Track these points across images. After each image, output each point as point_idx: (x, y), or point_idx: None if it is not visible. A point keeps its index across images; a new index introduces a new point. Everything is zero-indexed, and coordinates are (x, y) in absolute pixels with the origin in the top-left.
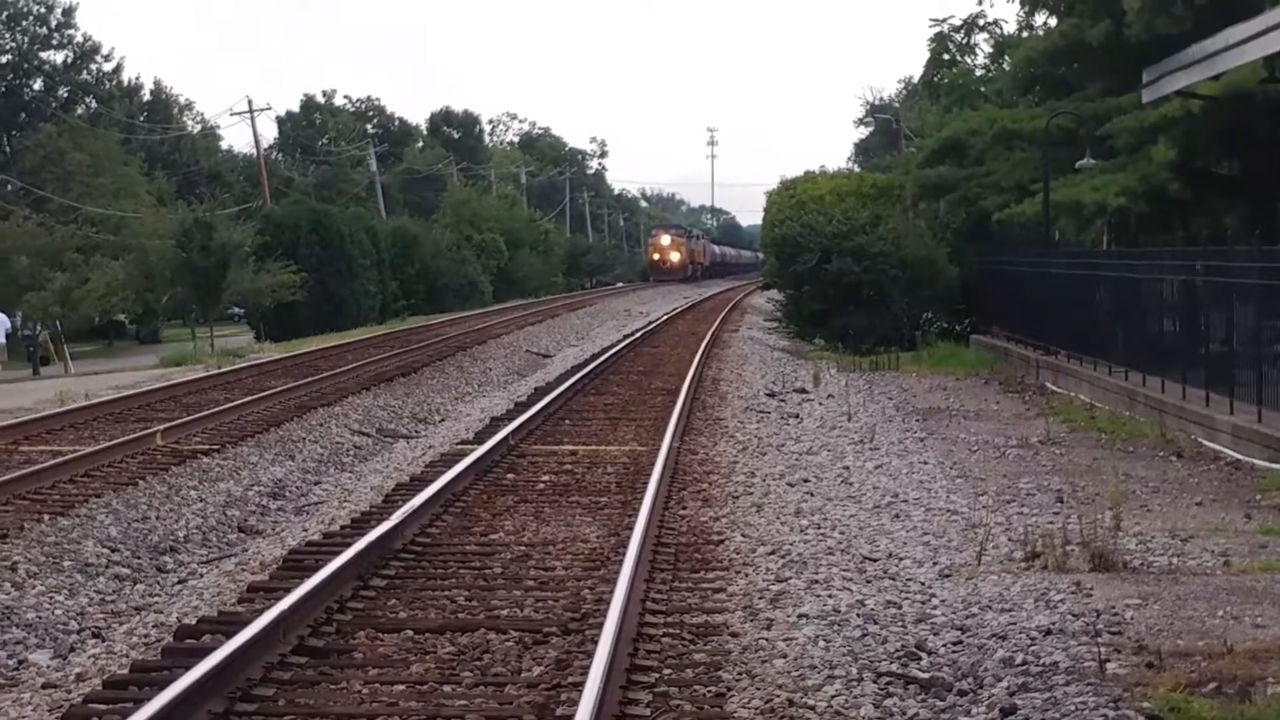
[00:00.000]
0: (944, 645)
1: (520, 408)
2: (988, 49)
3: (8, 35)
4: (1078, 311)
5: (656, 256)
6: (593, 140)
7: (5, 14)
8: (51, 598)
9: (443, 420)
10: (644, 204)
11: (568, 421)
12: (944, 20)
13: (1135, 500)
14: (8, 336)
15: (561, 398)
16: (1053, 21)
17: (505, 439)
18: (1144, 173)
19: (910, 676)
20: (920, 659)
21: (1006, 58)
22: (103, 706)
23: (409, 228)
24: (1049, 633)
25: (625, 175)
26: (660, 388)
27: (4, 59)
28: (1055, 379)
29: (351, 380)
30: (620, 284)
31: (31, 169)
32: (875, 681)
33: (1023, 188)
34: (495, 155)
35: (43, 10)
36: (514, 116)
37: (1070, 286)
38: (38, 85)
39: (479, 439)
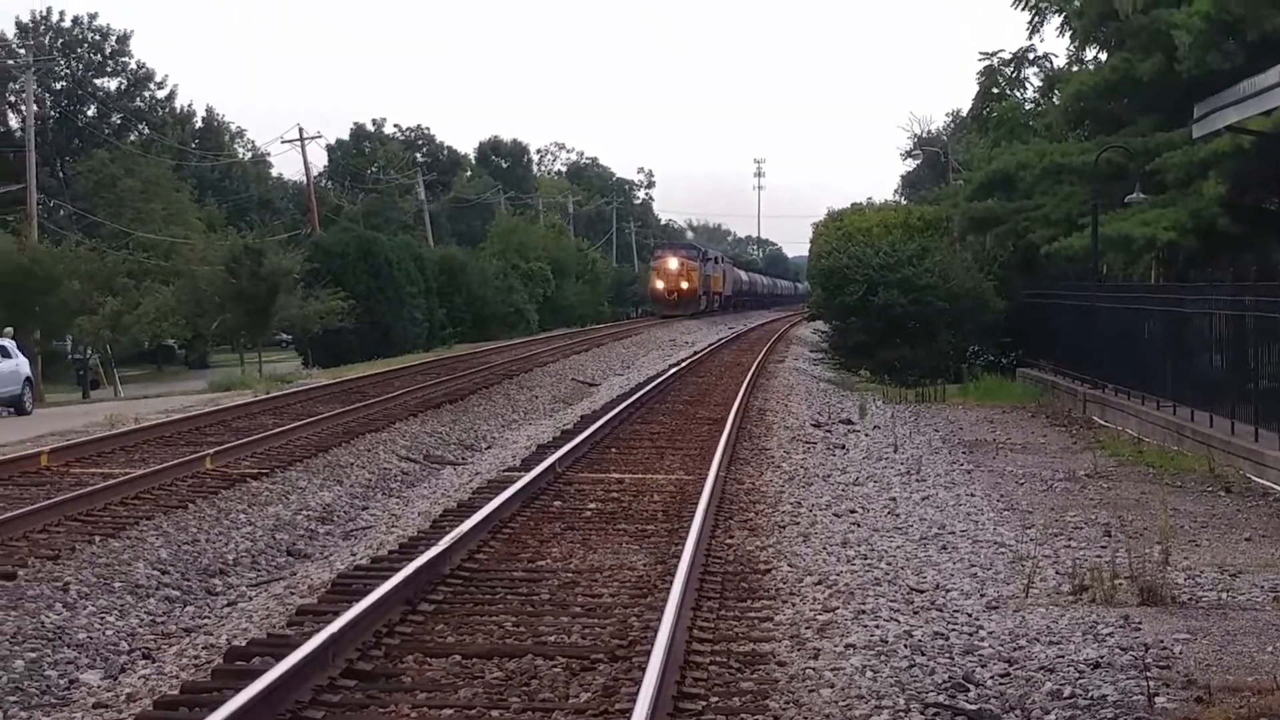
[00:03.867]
0: (991, 677)
1: (567, 435)
2: (1037, 83)
3: (62, 62)
4: (1126, 345)
5: (661, 285)
6: (640, 170)
7: (60, 41)
8: (102, 618)
9: (490, 447)
10: (690, 234)
11: (614, 449)
12: (994, 54)
13: (1184, 535)
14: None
15: (608, 426)
16: (1103, 56)
17: (552, 466)
18: (1194, 208)
19: (958, 708)
20: (968, 690)
21: (1056, 91)
22: None
23: (456, 256)
24: (1097, 666)
25: (672, 205)
26: (706, 417)
27: (59, 85)
28: (1102, 413)
29: (399, 406)
30: None
31: (84, 194)
32: (922, 712)
33: (1071, 221)
34: (543, 184)
35: (97, 38)
36: (562, 146)
37: (1118, 320)
38: (91, 112)
39: (526, 466)
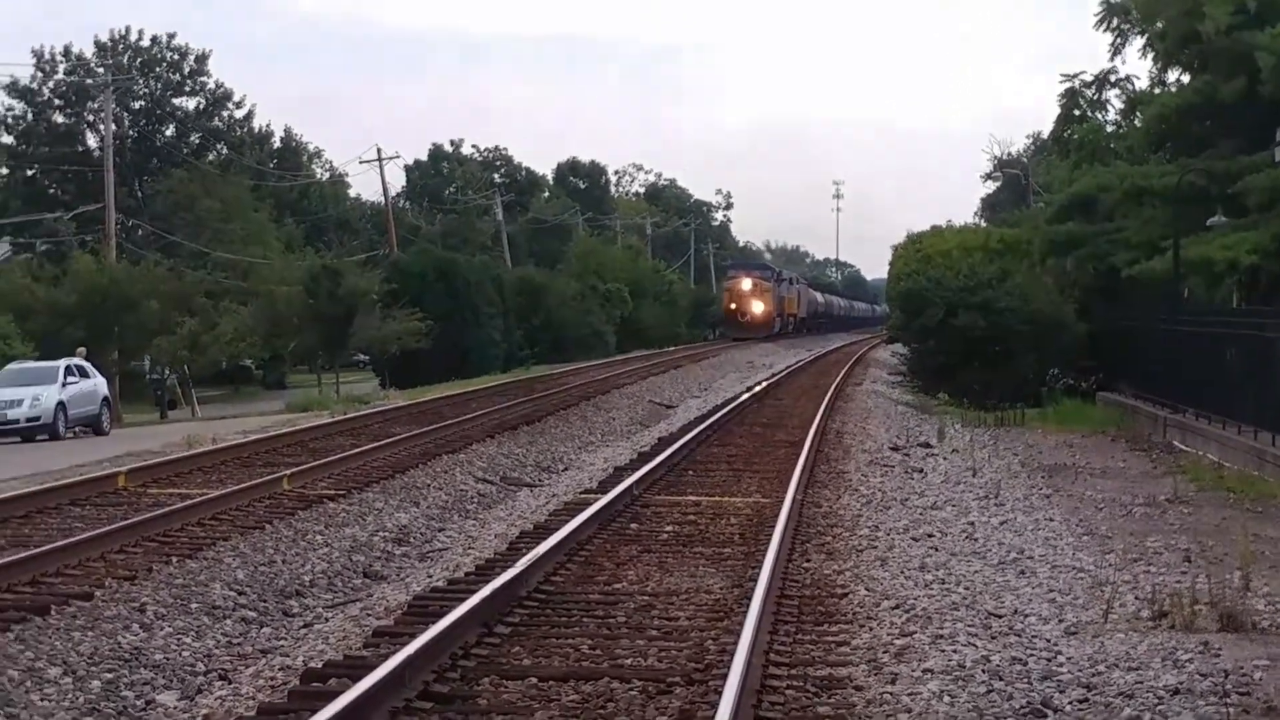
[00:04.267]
0: (1070, 703)
1: (644, 458)
2: (1119, 105)
3: (141, 82)
4: (1207, 370)
5: (734, 306)
6: (718, 192)
7: (139, 60)
8: (179, 639)
9: (566, 469)
10: (767, 255)
11: (691, 472)
12: (1075, 75)
13: (1265, 561)
14: (107, 404)
15: (685, 448)
16: (1185, 78)
17: (629, 488)
18: (1276, 230)
19: None
20: (1046, 716)
21: (1138, 114)
22: None
23: (534, 277)
24: (1176, 692)
25: (750, 227)
26: (784, 440)
27: (137, 105)
28: (1183, 437)
29: (476, 428)
30: None
31: (163, 214)
32: None
33: (1152, 245)
34: (621, 206)
35: (176, 57)
36: (640, 167)
37: (1199, 345)
38: (170, 131)
39: (603, 488)
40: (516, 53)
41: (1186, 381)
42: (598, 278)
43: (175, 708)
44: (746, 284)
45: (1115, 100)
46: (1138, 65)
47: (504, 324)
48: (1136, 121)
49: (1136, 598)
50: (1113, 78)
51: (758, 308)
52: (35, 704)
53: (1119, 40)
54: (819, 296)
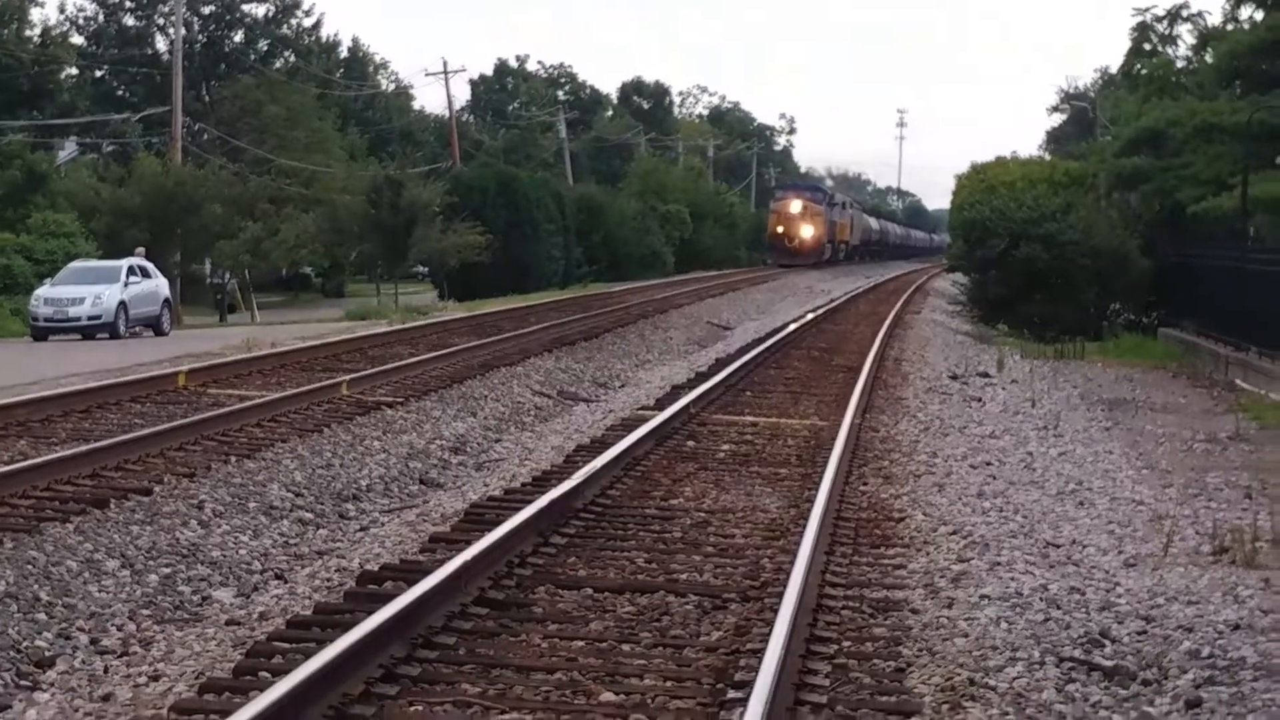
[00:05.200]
0: (1128, 634)
1: (701, 377)
2: (1190, 40)
3: None
4: (1272, 308)
5: (781, 229)
6: (782, 116)
7: None
8: (236, 538)
9: (623, 386)
10: (829, 182)
11: (748, 393)
12: (1147, 10)
13: None
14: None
15: (742, 369)
16: (1259, 15)
17: (686, 407)
18: None
19: (1094, 663)
20: (1104, 646)
21: (1209, 50)
22: (286, 645)
23: (595, 195)
24: (1236, 627)
25: (812, 154)
26: (841, 364)
27: (207, 10)
28: (1245, 375)
29: (533, 342)
30: None
31: (228, 119)
32: (1058, 666)
33: (1220, 182)
34: (684, 127)
35: None
36: (704, 89)
37: (1265, 283)
38: (238, 37)
39: (660, 405)
40: None
41: (1251, 319)
42: (658, 198)
43: (231, 604)
44: (795, 206)
45: (1187, 35)
46: (1210, 1)
47: (563, 241)
48: (1207, 57)
49: (1197, 532)
50: (1184, 13)
51: (807, 232)
52: (93, 595)
53: None
54: (873, 222)
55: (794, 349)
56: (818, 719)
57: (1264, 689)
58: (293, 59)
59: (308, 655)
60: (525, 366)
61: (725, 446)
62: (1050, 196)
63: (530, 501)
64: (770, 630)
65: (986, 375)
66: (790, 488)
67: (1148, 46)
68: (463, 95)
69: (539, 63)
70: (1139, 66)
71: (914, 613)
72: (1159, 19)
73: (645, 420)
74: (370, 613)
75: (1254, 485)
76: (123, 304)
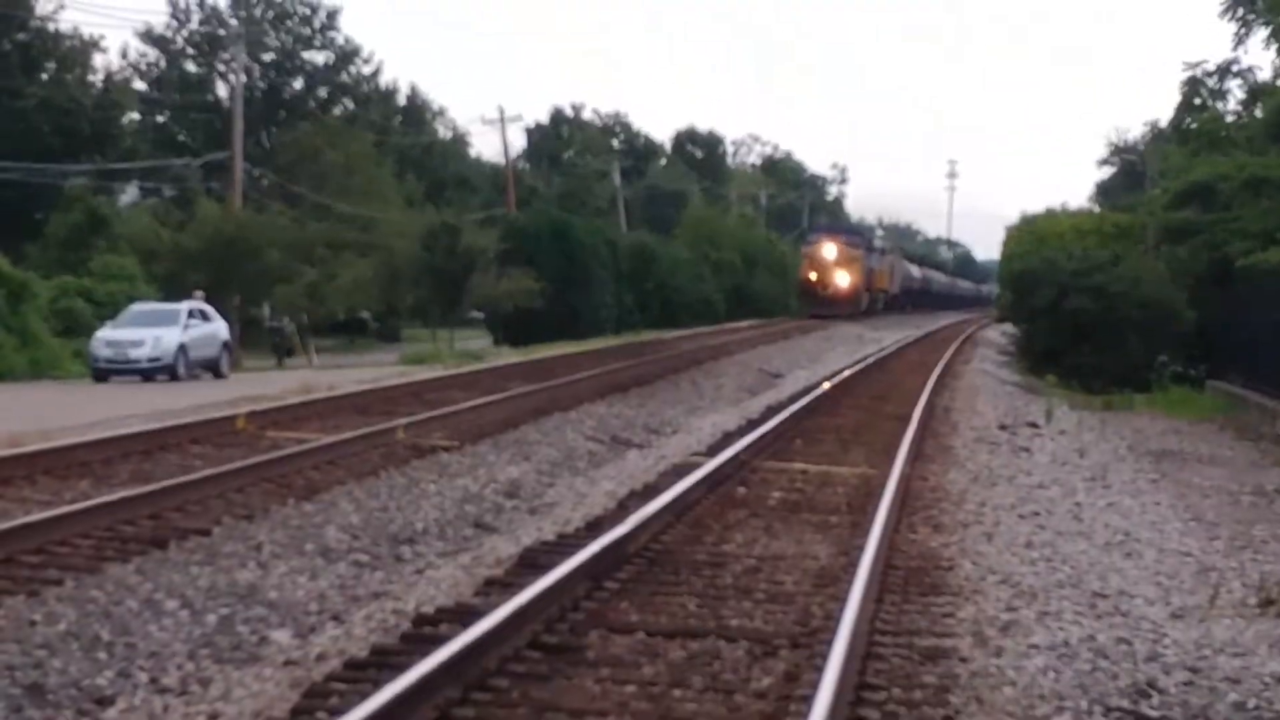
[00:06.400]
0: (1175, 685)
1: (752, 424)
2: (1240, 95)
3: (273, 34)
4: None
5: (814, 276)
6: (834, 166)
7: (271, 13)
8: (294, 579)
9: (675, 432)
10: (880, 232)
11: (799, 440)
12: (1197, 65)
13: None
14: (227, 348)
15: (793, 417)
16: None
17: (737, 454)
18: None
19: (1140, 714)
20: (1151, 697)
21: (1259, 105)
22: (343, 685)
23: (648, 242)
24: None
25: (864, 203)
26: (891, 413)
27: (268, 57)
28: None
29: (587, 388)
30: None
31: (287, 165)
32: (1105, 715)
33: (1269, 235)
34: (736, 176)
35: (307, 11)
36: (757, 139)
37: None
38: (298, 84)
39: (711, 452)
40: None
41: None
42: (711, 246)
43: (289, 645)
44: (830, 251)
45: (1237, 90)
46: (1261, 56)
47: (617, 288)
48: (1257, 112)
49: (1243, 584)
50: (1235, 68)
51: (843, 280)
52: (153, 634)
53: (1243, 30)
54: (915, 271)
55: (844, 397)
56: None
57: None
58: (351, 106)
59: (364, 697)
60: (579, 412)
61: (776, 493)
62: (1099, 248)
63: (583, 546)
64: (820, 677)
65: (1035, 425)
66: (840, 535)
67: (1198, 101)
68: (519, 143)
69: (594, 111)
70: (1189, 121)
71: (962, 661)
72: (1209, 74)
73: (697, 466)
74: (425, 655)
75: None
76: (182, 346)
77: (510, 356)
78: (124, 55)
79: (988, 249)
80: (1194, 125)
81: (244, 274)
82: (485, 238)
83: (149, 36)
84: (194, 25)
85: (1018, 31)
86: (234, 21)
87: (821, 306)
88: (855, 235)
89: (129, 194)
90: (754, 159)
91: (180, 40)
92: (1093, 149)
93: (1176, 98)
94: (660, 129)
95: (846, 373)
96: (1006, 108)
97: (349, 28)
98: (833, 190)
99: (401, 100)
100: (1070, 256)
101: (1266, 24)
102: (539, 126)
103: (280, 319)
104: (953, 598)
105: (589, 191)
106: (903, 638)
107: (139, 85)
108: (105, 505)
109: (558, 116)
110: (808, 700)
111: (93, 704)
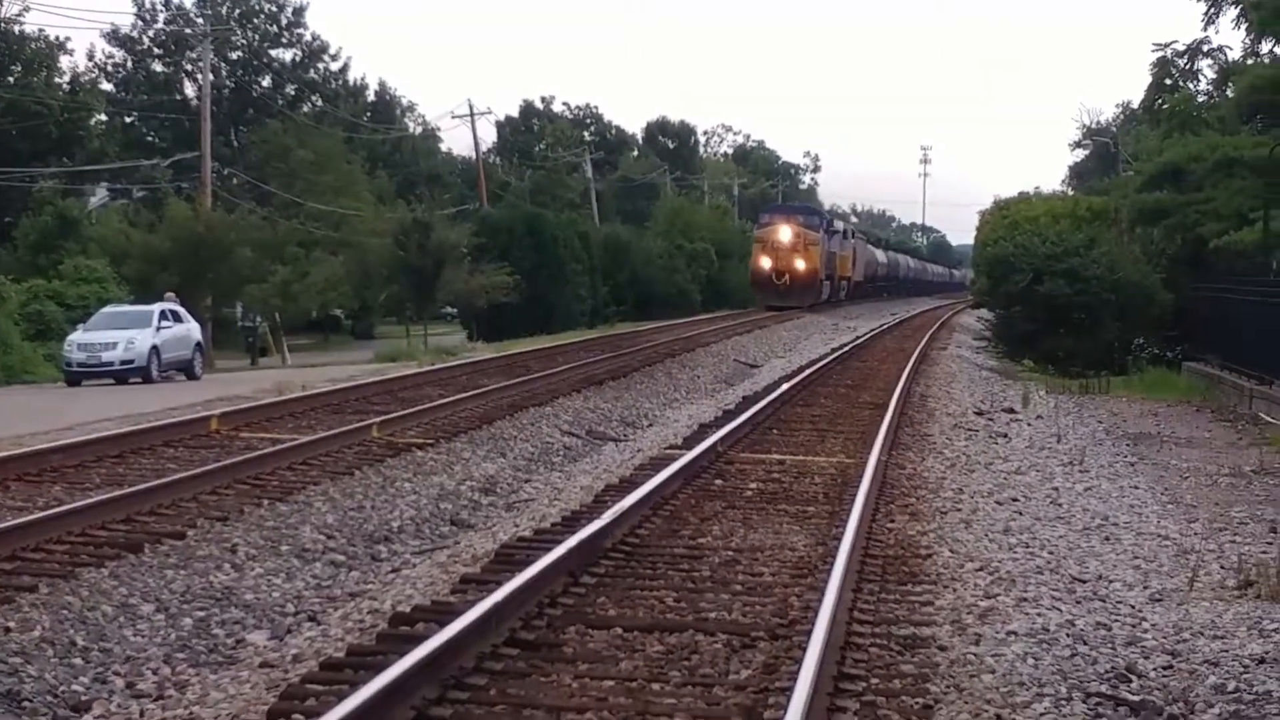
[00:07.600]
0: (1154, 669)
1: (728, 415)
2: (1211, 75)
3: (239, 32)
4: None
5: (767, 264)
6: (806, 154)
7: (238, 11)
8: (269, 580)
9: (651, 425)
10: (854, 219)
11: (775, 431)
12: (1167, 45)
13: None
14: (199, 349)
15: (769, 407)
16: (1279, 50)
17: (713, 446)
18: None
19: (1120, 698)
20: (1130, 681)
21: (1230, 84)
22: (319, 687)
23: (621, 234)
24: (1262, 661)
25: (837, 191)
26: (868, 401)
27: (235, 55)
28: (1269, 409)
29: (562, 382)
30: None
31: (257, 164)
32: (1085, 701)
33: (1242, 216)
34: (709, 166)
35: (273, 9)
36: (728, 129)
37: None
38: (266, 82)
39: (687, 444)
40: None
41: (1274, 353)
42: (684, 237)
43: (265, 647)
44: (785, 233)
45: (1207, 70)
46: (1230, 36)
47: (590, 280)
48: (1228, 92)
49: (1222, 567)
50: (1205, 48)
51: (800, 265)
52: (128, 639)
53: (1213, 10)
54: (880, 255)
55: (820, 386)
56: None
57: None
58: (320, 103)
59: (341, 697)
60: (554, 406)
61: (753, 485)
62: (1073, 232)
63: (560, 541)
64: (799, 668)
65: (1012, 411)
66: (818, 525)
67: (1168, 82)
68: (489, 137)
69: (565, 104)
70: (1160, 101)
71: (941, 649)
72: (1179, 54)
73: (673, 459)
74: (402, 654)
75: (1278, 519)
76: (155, 348)
77: (485, 352)
78: (90, 57)
79: (963, 234)
80: (1165, 106)
81: (215, 274)
82: (458, 233)
83: (115, 37)
84: (160, 25)
85: (989, 15)
86: (200, 20)
87: (777, 298)
88: (813, 215)
89: (98, 196)
90: (726, 148)
91: (147, 40)
92: (1066, 132)
93: (1148, 79)
94: (631, 120)
95: (822, 361)
96: (978, 93)
97: (316, 24)
98: (806, 179)
99: (370, 96)
100: (1044, 240)
101: (1236, 3)
102: (509, 120)
103: (252, 318)
104: (931, 586)
105: (561, 184)
106: (881, 627)
107: (106, 86)
108: (78, 510)
109: (528, 110)
110: (786, 692)
111: (69, 710)
